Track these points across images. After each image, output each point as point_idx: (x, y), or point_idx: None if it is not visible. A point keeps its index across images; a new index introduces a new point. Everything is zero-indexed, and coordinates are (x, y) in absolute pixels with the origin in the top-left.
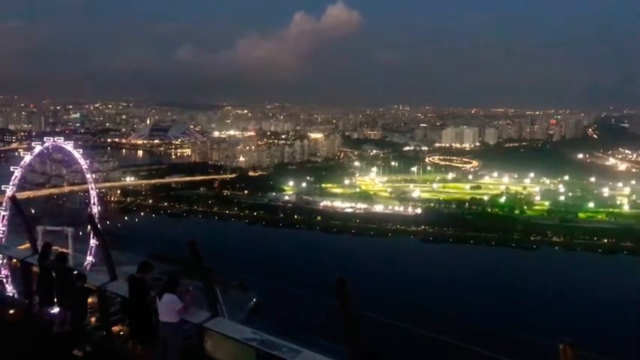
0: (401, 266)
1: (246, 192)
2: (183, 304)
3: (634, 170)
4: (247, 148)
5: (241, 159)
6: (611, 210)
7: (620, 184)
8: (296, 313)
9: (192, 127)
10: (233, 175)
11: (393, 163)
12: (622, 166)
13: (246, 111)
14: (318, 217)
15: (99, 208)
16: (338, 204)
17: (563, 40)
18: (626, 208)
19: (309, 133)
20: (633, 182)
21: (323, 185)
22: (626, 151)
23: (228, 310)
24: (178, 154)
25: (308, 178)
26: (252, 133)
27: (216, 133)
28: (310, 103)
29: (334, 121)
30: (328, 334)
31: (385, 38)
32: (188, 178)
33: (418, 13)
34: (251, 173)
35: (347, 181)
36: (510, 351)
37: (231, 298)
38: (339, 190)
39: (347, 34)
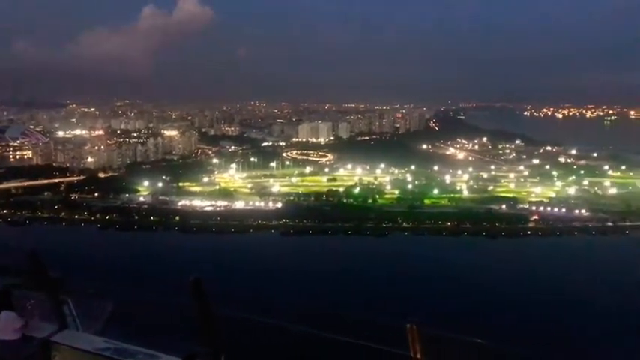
0: (259, 260)
1: (96, 195)
2: (23, 320)
3: (470, 158)
4: (96, 148)
5: (90, 160)
6: (452, 195)
7: (459, 172)
8: (155, 318)
9: (32, 127)
10: (81, 178)
11: (252, 159)
12: (460, 155)
13: (93, 109)
14: (176, 218)
15: None
16: (197, 203)
17: (405, 40)
18: (465, 193)
19: (163, 131)
20: (470, 169)
21: (180, 184)
22: (463, 141)
23: (82, 321)
24: (18, 156)
25: (164, 177)
26: (101, 132)
27: (60, 133)
28: (163, 100)
29: (189, 118)
30: (189, 337)
31: (238, 34)
32: (30, 183)
33: (269, 9)
34: (101, 175)
35: (206, 179)
36: (361, 333)
37: (85, 308)
38: (197, 189)
39: (199, 29)
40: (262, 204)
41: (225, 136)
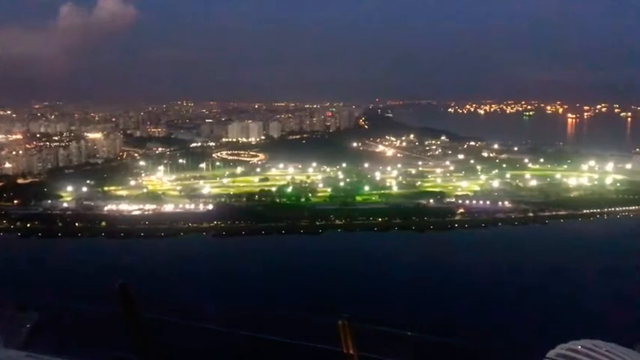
0: (190, 263)
1: (16, 202)
2: None
3: (399, 155)
4: (14, 152)
5: (7, 165)
6: (382, 192)
7: (388, 168)
8: (83, 327)
9: None
10: None
11: (180, 161)
12: (389, 152)
13: (9, 112)
14: (103, 223)
15: None
16: (124, 207)
17: (333, 38)
18: (394, 188)
19: (86, 134)
20: (399, 165)
21: (106, 188)
22: (392, 138)
23: (3, 335)
24: None
25: (88, 181)
26: (19, 136)
27: None
28: (85, 102)
29: (114, 120)
30: (118, 345)
31: (163, 33)
32: None
33: (195, 9)
34: (20, 181)
35: (133, 182)
36: (295, 332)
37: (6, 322)
38: (124, 192)
39: (122, 28)
40: (192, 206)
41: (152, 137)
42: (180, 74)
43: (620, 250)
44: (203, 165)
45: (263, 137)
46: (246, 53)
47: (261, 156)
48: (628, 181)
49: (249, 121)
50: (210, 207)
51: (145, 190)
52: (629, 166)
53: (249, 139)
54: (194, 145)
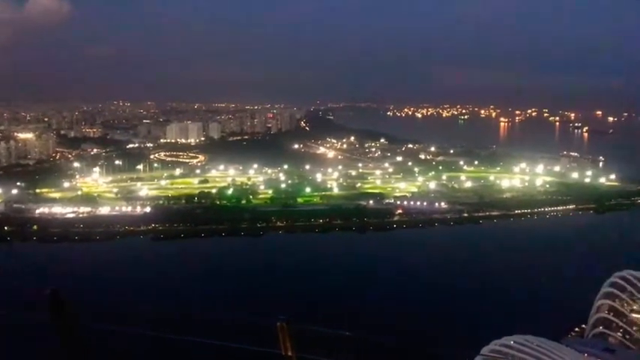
0: (127, 268)
1: None
2: None
3: (339, 157)
4: None
5: None
6: (323, 193)
7: (329, 170)
8: (9, 337)
9: None
10: None
11: (117, 162)
12: (330, 154)
13: None
14: (34, 227)
15: None
16: (57, 209)
17: (273, 41)
18: (335, 190)
19: (16, 133)
20: (340, 167)
21: (38, 190)
22: (333, 140)
23: None
24: None
25: (18, 183)
26: None
27: None
28: (16, 101)
29: (46, 119)
30: (47, 354)
31: (100, 31)
32: None
33: (134, 7)
34: None
35: (66, 184)
36: (233, 335)
37: None
38: (57, 195)
39: (55, 24)
40: (130, 209)
41: (87, 137)
42: (116, 73)
43: (547, 247)
44: (140, 166)
45: (203, 138)
46: (185, 53)
47: (201, 157)
48: (556, 183)
49: (189, 122)
50: (148, 209)
51: (79, 193)
52: (557, 168)
53: (189, 140)
54: (131, 146)
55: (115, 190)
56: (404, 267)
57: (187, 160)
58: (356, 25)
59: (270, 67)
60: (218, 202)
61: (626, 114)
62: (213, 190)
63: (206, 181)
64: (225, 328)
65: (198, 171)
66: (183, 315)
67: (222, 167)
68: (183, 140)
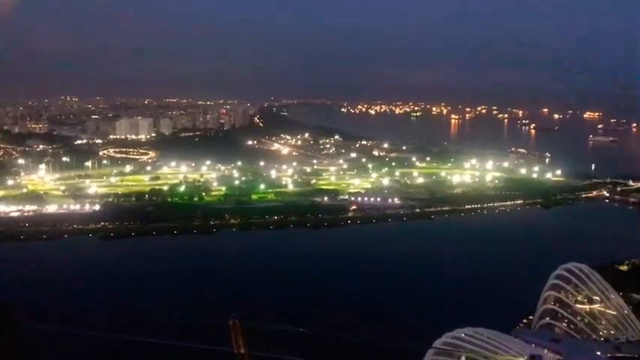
0: (75, 268)
1: None
2: None
3: (294, 153)
4: None
5: None
6: (278, 190)
7: (284, 166)
8: None
9: None
10: None
11: (64, 159)
12: (285, 150)
13: None
14: None
15: None
16: (1, 208)
17: (226, 35)
18: (290, 187)
19: None
20: (294, 164)
21: None
22: (287, 137)
23: None
24: None
25: None
26: None
27: None
28: None
29: None
30: None
31: (45, 23)
32: None
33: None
34: None
35: (11, 182)
36: (186, 334)
37: None
38: (1, 193)
39: None
40: (78, 207)
41: (32, 133)
42: (63, 68)
43: (496, 241)
44: (89, 163)
45: (154, 134)
46: (136, 48)
47: (152, 154)
48: (505, 178)
49: (139, 118)
50: (97, 207)
51: (24, 190)
52: (506, 164)
53: (139, 137)
54: (79, 142)
55: (63, 187)
56: (357, 263)
57: (138, 157)
58: (311, 21)
59: (223, 62)
60: (170, 200)
61: (570, 111)
62: (165, 187)
63: (157, 178)
64: (177, 328)
65: (149, 168)
66: (134, 315)
67: (173, 164)
68: (134, 136)
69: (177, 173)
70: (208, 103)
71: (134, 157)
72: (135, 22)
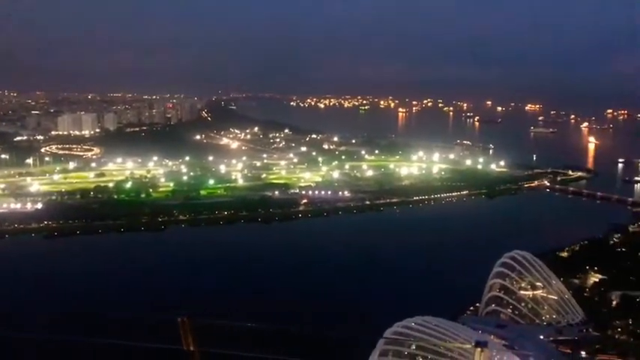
0: (16, 268)
1: None
2: None
3: (243, 148)
4: None
5: None
6: (228, 185)
7: (233, 161)
8: None
9: None
10: None
11: (3, 156)
12: (234, 145)
13: None
14: None
15: None
16: None
17: (171, 29)
18: (240, 181)
19: None
20: (244, 158)
21: None
22: (236, 131)
23: None
24: None
25: None
26: None
27: None
28: None
29: None
30: None
31: None
32: None
33: None
34: None
35: None
36: (132, 333)
37: None
38: None
39: None
40: (19, 205)
41: None
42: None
43: (444, 231)
44: (30, 160)
45: (98, 130)
46: (78, 41)
47: (97, 150)
48: (451, 170)
49: (82, 113)
50: (40, 206)
51: None
52: (451, 155)
53: (83, 132)
54: (19, 138)
55: (2, 185)
56: (308, 255)
57: (82, 153)
58: (260, 15)
59: (171, 56)
60: (116, 197)
61: (513, 104)
62: (111, 184)
63: (102, 174)
64: (125, 327)
65: (93, 164)
66: (80, 315)
67: (119, 160)
68: (77, 132)
69: (123, 169)
70: (154, 97)
71: (78, 153)
72: (75, 12)
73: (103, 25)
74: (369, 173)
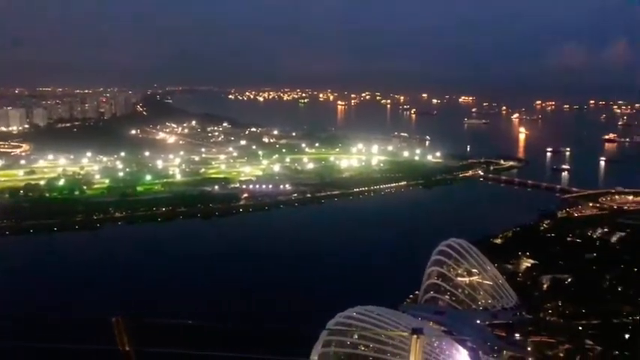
0: None
1: None
2: None
3: (181, 142)
4: None
5: None
6: (165, 180)
7: (171, 156)
8: None
9: None
10: None
11: None
12: (171, 139)
13: None
14: None
15: None
16: None
17: (104, 22)
18: (178, 177)
19: None
20: (182, 153)
21: None
22: (173, 125)
23: None
24: None
25: None
26: None
27: None
28: None
29: None
30: None
31: None
32: None
33: None
34: None
35: None
36: (63, 335)
37: None
38: None
39: None
40: None
41: None
42: None
43: (383, 222)
44: None
45: (27, 126)
46: (4, 33)
47: (25, 147)
48: (389, 161)
49: (9, 108)
50: None
51: None
52: (390, 147)
53: (10, 128)
54: None
55: None
56: (248, 250)
57: (9, 150)
58: (195, 7)
59: (102, 49)
60: (47, 195)
61: (447, 96)
62: (42, 182)
63: (33, 172)
64: (57, 329)
65: (23, 162)
66: (5, 317)
67: (50, 157)
68: (4, 128)
69: (54, 167)
70: (86, 91)
71: (5, 150)
72: (2, 5)
73: (31, 17)
74: (310, 166)
